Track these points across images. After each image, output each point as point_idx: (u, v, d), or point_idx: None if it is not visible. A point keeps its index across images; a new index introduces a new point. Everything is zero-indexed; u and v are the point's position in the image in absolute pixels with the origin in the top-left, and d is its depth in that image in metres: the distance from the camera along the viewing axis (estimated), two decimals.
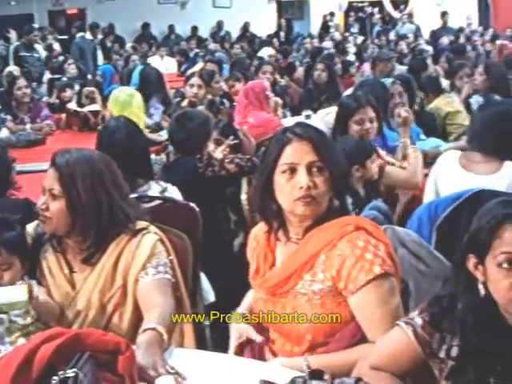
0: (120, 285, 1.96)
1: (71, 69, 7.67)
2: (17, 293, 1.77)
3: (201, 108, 4.79)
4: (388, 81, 4.50)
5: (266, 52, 9.22)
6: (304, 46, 12.17)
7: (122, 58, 10.31)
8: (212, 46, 12.72)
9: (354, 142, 3.09)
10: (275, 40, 13.34)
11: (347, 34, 14.60)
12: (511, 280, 1.39)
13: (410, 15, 15.47)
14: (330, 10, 16.07)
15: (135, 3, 13.84)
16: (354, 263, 1.70)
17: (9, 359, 1.45)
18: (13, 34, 10.79)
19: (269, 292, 1.85)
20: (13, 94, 5.43)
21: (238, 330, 1.94)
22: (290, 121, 4.93)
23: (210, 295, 2.73)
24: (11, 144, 4.58)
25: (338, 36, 13.53)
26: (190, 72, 6.66)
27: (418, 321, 1.54)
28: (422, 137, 4.11)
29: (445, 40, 11.55)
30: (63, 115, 5.74)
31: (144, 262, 1.95)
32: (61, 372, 1.37)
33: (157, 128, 5.09)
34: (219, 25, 15.08)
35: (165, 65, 9.84)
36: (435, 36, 12.79)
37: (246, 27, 15.06)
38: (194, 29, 14.47)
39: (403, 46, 10.39)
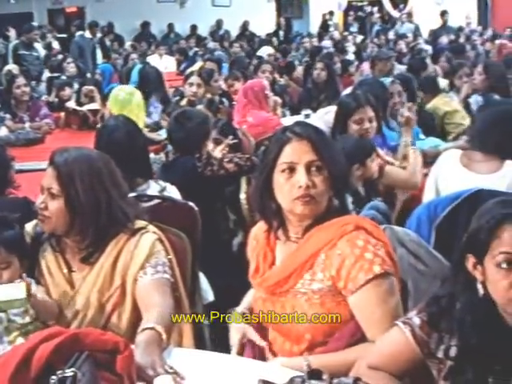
0: (119, 284, 1.96)
1: (70, 67, 7.65)
2: (15, 291, 1.77)
3: (200, 107, 4.78)
4: (387, 80, 4.51)
5: (265, 51, 9.21)
6: (303, 45, 12.14)
7: (121, 57, 10.28)
8: (211, 44, 12.69)
9: (354, 141, 3.10)
10: (274, 39, 13.37)
11: (346, 33, 14.61)
12: (510, 280, 1.39)
13: (410, 14, 15.47)
14: (330, 9, 16.11)
15: (134, 2, 13.83)
16: (353, 263, 1.70)
17: (7, 358, 1.45)
18: (12, 33, 10.79)
19: (268, 291, 1.85)
20: (12, 92, 5.42)
21: (240, 331, 1.94)
22: (289, 120, 4.94)
23: (208, 295, 2.74)
24: (10, 143, 4.59)
25: (337, 35, 13.55)
26: (189, 71, 6.65)
27: (416, 321, 1.54)
28: (421, 136, 4.11)
29: (444, 39, 11.53)
30: (62, 114, 5.73)
31: (143, 261, 1.94)
32: (59, 371, 1.37)
33: (156, 127, 5.08)
34: (218, 24, 15.09)
35: (164, 63, 9.83)
36: (434, 35, 12.78)
37: (245, 26, 15.07)
38: (194, 27, 14.48)
39: (402, 45, 10.39)
